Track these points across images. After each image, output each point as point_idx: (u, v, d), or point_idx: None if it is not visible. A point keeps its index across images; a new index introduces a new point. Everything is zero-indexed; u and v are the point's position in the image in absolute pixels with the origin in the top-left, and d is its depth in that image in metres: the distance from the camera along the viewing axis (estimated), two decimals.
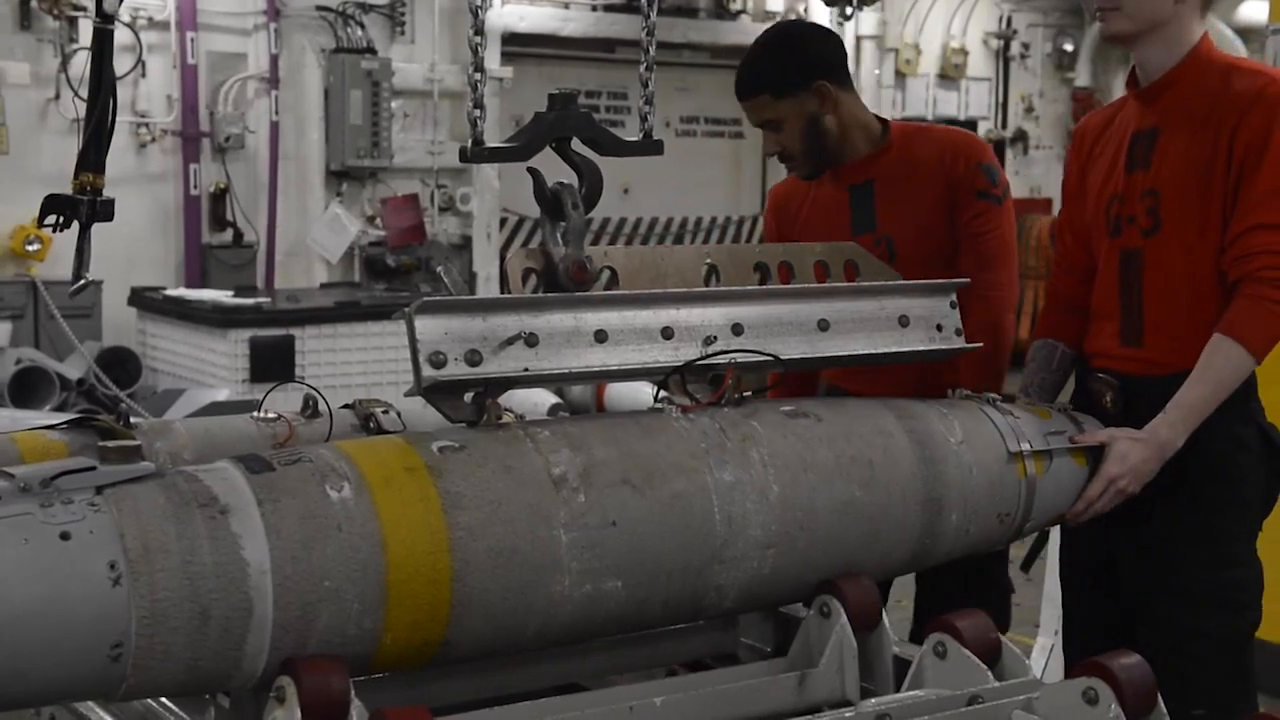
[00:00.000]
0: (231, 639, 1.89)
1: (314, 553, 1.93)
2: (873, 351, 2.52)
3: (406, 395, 2.18)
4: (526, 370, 2.19)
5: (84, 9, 8.71)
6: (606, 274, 2.41)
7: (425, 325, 2.12)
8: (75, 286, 2.69)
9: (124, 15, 8.73)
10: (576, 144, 2.42)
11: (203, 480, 1.95)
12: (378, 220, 10.01)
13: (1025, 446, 2.53)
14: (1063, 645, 3.27)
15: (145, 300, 8.77)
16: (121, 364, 8.49)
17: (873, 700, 2.19)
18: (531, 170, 2.30)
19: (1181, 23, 2.86)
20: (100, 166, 2.60)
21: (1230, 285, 2.77)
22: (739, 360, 2.33)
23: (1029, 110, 14.03)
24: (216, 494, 1.93)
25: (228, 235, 9.68)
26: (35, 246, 8.70)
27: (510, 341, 2.17)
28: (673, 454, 2.20)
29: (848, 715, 2.11)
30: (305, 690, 1.89)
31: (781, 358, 2.39)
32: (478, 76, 2.39)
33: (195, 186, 9.51)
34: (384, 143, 9.87)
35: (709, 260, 2.44)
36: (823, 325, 2.46)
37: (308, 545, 1.93)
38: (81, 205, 2.59)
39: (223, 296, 8.44)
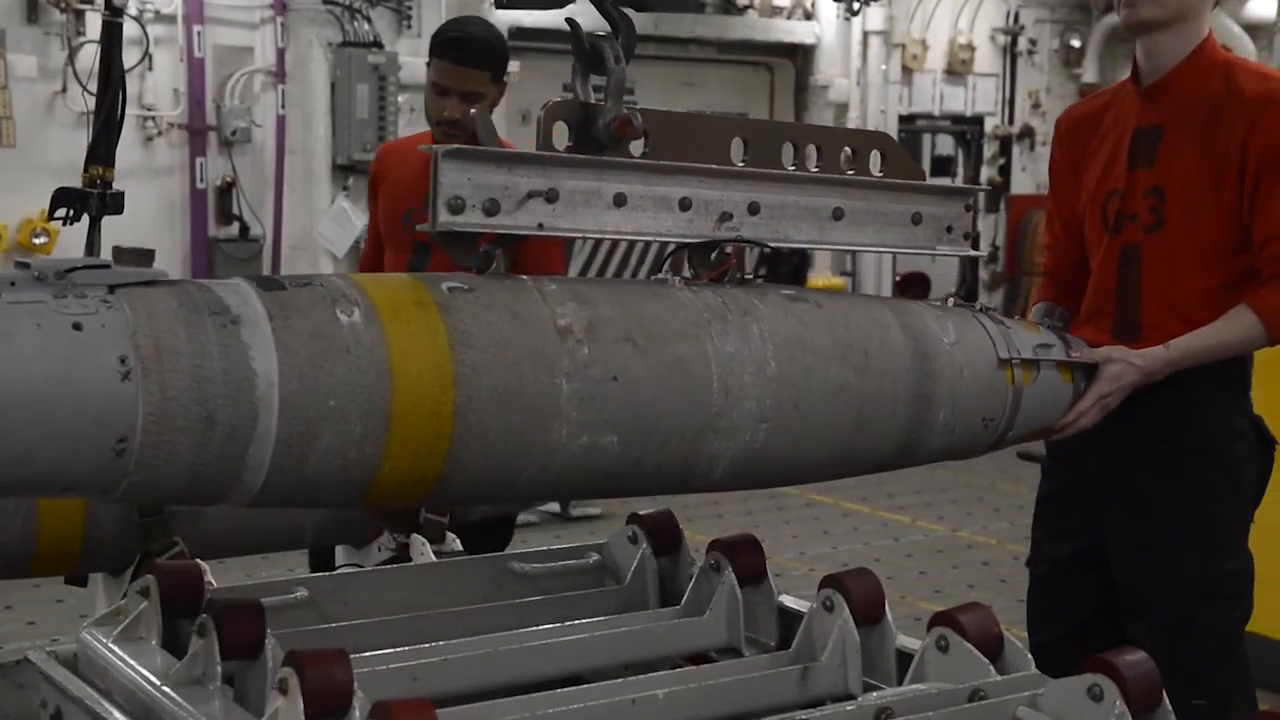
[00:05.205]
0: (235, 446, 1.90)
1: (321, 371, 1.94)
2: (881, 244, 2.55)
3: (417, 229, 2.20)
4: (541, 225, 2.21)
5: (91, 2, 8.67)
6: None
7: (449, 170, 2.14)
8: None
9: (131, 9, 8.68)
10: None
11: (215, 291, 1.96)
12: None
13: (1015, 355, 2.57)
14: (1029, 636, 3.19)
15: None
16: None
17: (874, 694, 2.17)
18: (570, 20, 2.29)
19: (1201, 17, 2.90)
20: (110, 159, 2.60)
21: (1265, 278, 2.82)
22: (743, 239, 2.36)
23: (1036, 106, 13.86)
24: (229, 304, 1.93)
25: (234, 229, 9.61)
26: (42, 239, 8.61)
27: (530, 196, 2.19)
28: (676, 320, 2.22)
29: (849, 709, 2.10)
30: (308, 682, 1.88)
31: (786, 246, 2.42)
32: None
33: (202, 180, 9.45)
34: (390, 137, 9.80)
35: (741, 134, 2.45)
36: (837, 214, 2.47)
37: (315, 363, 1.94)
38: (91, 198, 2.59)
39: None
